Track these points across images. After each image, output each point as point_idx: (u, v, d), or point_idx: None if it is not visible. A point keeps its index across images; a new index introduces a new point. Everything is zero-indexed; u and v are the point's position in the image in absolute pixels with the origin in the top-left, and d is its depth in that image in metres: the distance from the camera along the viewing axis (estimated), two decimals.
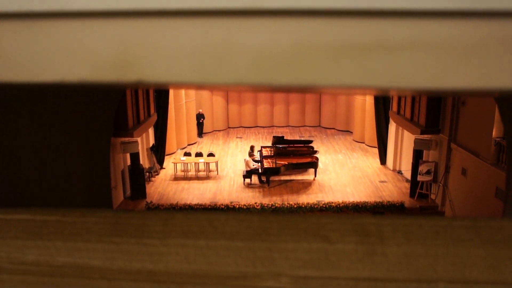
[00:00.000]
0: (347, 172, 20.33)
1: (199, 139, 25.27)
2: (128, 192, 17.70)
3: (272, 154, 19.94)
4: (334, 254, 0.85)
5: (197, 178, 19.76)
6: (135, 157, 17.38)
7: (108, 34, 0.66)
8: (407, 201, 17.10)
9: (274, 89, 0.69)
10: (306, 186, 18.77)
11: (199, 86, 0.69)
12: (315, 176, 19.43)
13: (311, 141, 21.22)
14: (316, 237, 0.86)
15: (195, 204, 16.83)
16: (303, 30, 0.64)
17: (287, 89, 0.68)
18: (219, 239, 0.87)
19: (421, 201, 17.13)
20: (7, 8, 0.66)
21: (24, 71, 0.68)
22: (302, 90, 0.68)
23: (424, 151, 17.39)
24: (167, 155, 21.44)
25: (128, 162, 17.51)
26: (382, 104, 20.61)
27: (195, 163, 20.18)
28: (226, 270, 0.85)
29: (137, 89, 15.92)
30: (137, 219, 0.92)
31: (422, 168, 17.08)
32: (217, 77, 0.67)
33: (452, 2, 0.60)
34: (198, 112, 25.33)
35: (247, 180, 18.88)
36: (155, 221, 0.91)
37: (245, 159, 19.77)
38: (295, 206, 16.56)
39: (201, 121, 25.38)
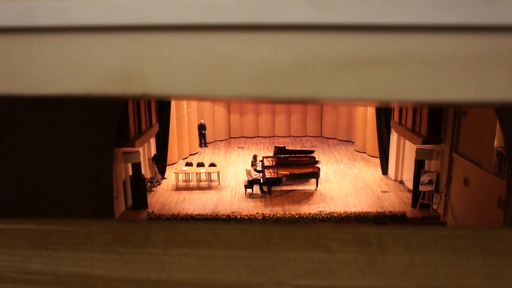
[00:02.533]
0: (348, 182, 20.31)
1: (201, 149, 25.29)
2: (130, 202, 17.69)
3: (274, 164, 19.93)
4: (335, 263, 0.86)
5: (199, 188, 19.75)
6: (136, 167, 17.39)
7: (113, 48, 0.68)
8: (409, 211, 17.07)
9: (275, 101, 0.70)
10: (307, 196, 18.75)
11: (201, 98, 0.70)
12: (317, 186, 19.41)
13: (312, 151, 21.22)
14: (317, 246, 0.87)
15: (197, 214, 16.82)
16: (303, 44, 0.65)
17: (288, 102, 0.70)
18: (222, 249, 0.88)
19: (423, 211, 17.09)
20: (15, 22, 0.67)
21: (31, 84, 0.70)
22: (303, 102, 0.70)
23: (426, 161, 17.38)
24: (168, 165, 21.45)
25: (130, 172, 17.52)
26: (384, 114, 20.63)
27: (196, 173, 20.17)
28: (228, 279, 0.86)
29: (139, 99, 15.97)
30: (140, 228, 0.93)
31: (424, 178, 17.06)
32: (219, 90, 0.68)
33: (449, 17, 0.61)
34: (199, 123, 25.39)
35: (249, 190, 18.87)
36: (158, 230, 0.92)
37: (246, 169, 19.76)
38: (297, 216, 16.53)
39: (203, 132, 25.42)
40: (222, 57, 0.66)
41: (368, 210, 17.00)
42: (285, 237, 0.89)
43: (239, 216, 16.48)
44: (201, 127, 25.43)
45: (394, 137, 20.35)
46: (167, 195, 19.09)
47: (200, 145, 25.66)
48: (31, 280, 0.90)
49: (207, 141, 26.46)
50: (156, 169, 20.14)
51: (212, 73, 0.67)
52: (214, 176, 20.35)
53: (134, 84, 0.69)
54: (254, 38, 0.65)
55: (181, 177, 20.23)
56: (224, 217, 16.46)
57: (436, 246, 0.86)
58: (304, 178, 19.57)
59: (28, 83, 0.70)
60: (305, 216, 16.50)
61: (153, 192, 19.27)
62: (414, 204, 17.44)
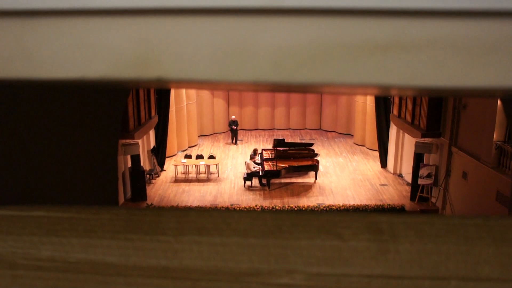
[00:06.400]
0: (347, 175, 20.33)
1: (199, 143, 25.26)
2: (129, 194, 17.69)
3: (273, 157, 19.94)
4: (347, 251, 0.86)
5: (198, 180, 19.75)
6: (135, 159, 17.38)
7: (129, 32, 0.68)
8: (408, 204, 17.10)
9: (292, 88, 0.69)
10: (306, 189, 18.77)
11: (217, 84, 0.70)
12: (316, 179, 19.43)
13: (311, 144, 21.22)
14: (329, 234, 0.87)
15: (196, 207, 16.84)
16: (322, 29, 0.65)
17: (305, 88, 0.69)
18: (233, 236, 0.88)
19: (422, 205, 17.13)
20: (29, 5, 0.67)
21: (46, 68, 0.69)
22: (320, 88, 0.69)
23: (425, 154, 17.39)
24: (167, 157, 21.44)
25: (129, 164, 17.51)
26: (383, 107, 20.62)
27: (195, 165, 20.18)
28: (240, 267, 0.86)
29: (138, 90, 15.93)
30: (151, 216, 0.93)
31: (423, 171, 17.08)
32: (236, 75, 0.68)
33: (469, 2, 0.61)
34: (230, 119, 25.18)
35: (248, 183, 18.88)
36: (169, 218, 0.92)
37: (246, 162, 19.76)
38: (296, 209, 16.55)
39: (233, 127, 25.09)
40: (240, 42, 0.66)
41: (367, 203, 17.04)
42: (296, 225, 0.89)
43: (238, 209, 16.50)
44: (232, 123, 25.11)
45: (393, 130, 20.35)
46: (166, 187, 19.09)
47: (232, 142, 25.36)
48: (42, 267, 0.90)
49: (207, 133, 26.41)
50: (155, 161, 20.13)
51: (229, 57, 0.67)
52: (213, 169, 20.36)
53: (149, 68, 0.68)
54: (272, 22, 0.65)
55: (180, 169, 20.23)
56: (223, 209, 16.46)
57: (448, 235, 0.86)
58: (303, 170, 19.59)
59: (42, 67, 0.69)
60: (304, 208, 16.52)
61: (152, 184, 19.27)
62: (412, 197, 17.47)
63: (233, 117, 25.41)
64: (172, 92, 20.68)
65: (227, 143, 25.16)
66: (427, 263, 0.84)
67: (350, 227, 0.88)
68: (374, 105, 21.44)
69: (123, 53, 0.68)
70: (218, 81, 0.67)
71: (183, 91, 22.09)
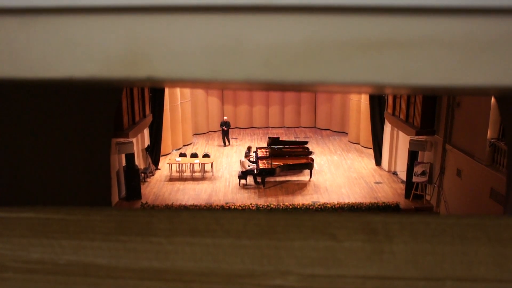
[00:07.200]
0: (342, 173, 20.34)
1: (194, 142, 25.20)
2: (123, 193, 17.64)
3: (268, 155, 19.94)
4: (342, 252, 0.85)
5: (192, 179, 19.72)
6: (130, 157, 17.33)
7: (118, 30, 0.66)
8: (402, 202, 17.14)
9: (285, 86, 0.68)
10: (301, 187, 18.77)
11: (209, 83, 0.68)
12: (311, 177, 19.44)
13: (306, 142, 21.24)
14: (323, 235, 0.86)
15: (191, 205, 16.80)
16: (315, 27, 0.63)
17: (298, 87, 0.68)
18: (226, 237, 0.87)
19: (416, 202, 17.17)
20: (16, 3, 0.65)
21: (34, 68, 0.68)
22: (313, 87, 0.68)
23: (419, 152, 17.43)
24: (162, 155, 21.40)
25: (123, 162, 17.46)
26: (378, 105, 20.65)
27: (190, 163, 20.15)
28: (233, 268, 0.85)
29: (132, 89, 15.88)
30: (142, 217, 0.92)
31: (417, 169, 17.12)
32: (227, 73, 0.66)
33: None
34: (222, 120, 24.88)
35: (243, 181, 18.87)
36: (161, 219, 0.90)
37: (240, 160, 19.75)
38: (290, 207, 16.55)
39: (224, 128, 24.69)
40: (231, 40, 0.65)
41: (362, 201, 17.05)
42: (290, 225, 0.88)
43: (232, 207, 16.49)
44: (223, 124, 24.73)
45: (387, 128, 20.37)
46: (160, 186, 19.05)
47: (224, 144, 24.94)
48: (31, 269, 0.89)
49: (201, 131, 26.30)
50: (149, 159, 20.08)
51: (220, 56, 0.65)
52: (208, 167, 20.33)
53: (139, 67, 0.67)
54: (264, 19, 0.63)
55: (174, 167, 20.19)
56: (218, 208, 16.45)
57: (443, 235, 0.85)
58: (298, 169, 19.60)
59: (29, 66, 0.68)
60: (298, 207, 16.52)
61: (146, 183, 19.22)
62: (407, 195, 17.51)
63: (225, 118, 25.15)
64: (167, 90, 20.62)
65: (219, 145, 24.96)
66: (422, 263, 0.83)
67: (344, 227, 0.86)
68: (368, 103, 21.47)
69: (112, 52, 0.67)
70: (209, 80, 0.66)
71: (177, 89, 22.03)
